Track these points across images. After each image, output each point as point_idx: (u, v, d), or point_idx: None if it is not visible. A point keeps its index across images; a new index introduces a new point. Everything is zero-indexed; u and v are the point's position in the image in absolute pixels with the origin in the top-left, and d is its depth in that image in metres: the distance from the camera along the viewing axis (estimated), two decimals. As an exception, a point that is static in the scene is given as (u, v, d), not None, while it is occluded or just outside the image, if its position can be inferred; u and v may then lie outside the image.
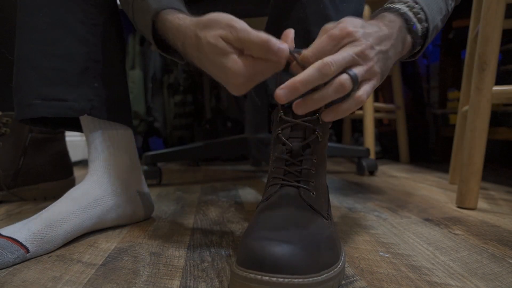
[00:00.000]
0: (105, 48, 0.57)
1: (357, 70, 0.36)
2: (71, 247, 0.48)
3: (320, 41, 0.36)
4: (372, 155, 1.27)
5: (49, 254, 0.45)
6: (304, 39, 0.46)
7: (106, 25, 0.57)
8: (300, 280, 0.30)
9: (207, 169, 1.37)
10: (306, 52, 0.36)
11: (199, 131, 1.69)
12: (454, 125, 1.33)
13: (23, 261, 0.43)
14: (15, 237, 0.44)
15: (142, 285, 0.37)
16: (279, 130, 0.45)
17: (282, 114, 0.46)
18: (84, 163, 1.52)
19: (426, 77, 1.81)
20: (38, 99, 0.52)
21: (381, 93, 1.79)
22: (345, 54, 0.35)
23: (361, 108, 1.49)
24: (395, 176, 1.12)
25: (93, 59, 0.55)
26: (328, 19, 0.45)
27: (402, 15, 0.42)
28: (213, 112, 1.75)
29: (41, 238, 0.45)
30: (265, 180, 1.06)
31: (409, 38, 0.43)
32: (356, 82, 0.35)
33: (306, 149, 0.44)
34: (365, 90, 0.37)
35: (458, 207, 0.69)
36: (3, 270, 0.40)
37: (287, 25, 0.47)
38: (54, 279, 0.38)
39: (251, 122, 1.16)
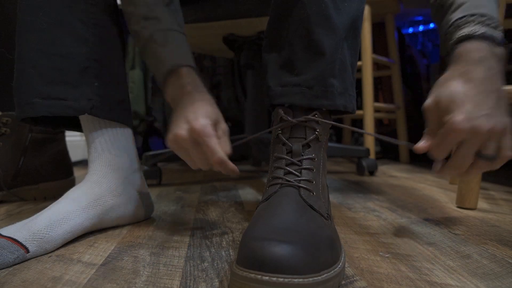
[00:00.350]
0: (105, 48, 0.57)
1: (493, 147, 0.38)
2: (71, 247, 0.48)
3: (440, 137, 0.39)
4: (372, 155, 1.27)
5: (49, 254, 0.45)
6: (305, 39, 0.46)
7: (106, 24, 0.57)
8: (300, 280, 0.30)
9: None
10: (429, 145, 0.41)
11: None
12: (454, 125, 1.33)
13: (23, 261, 0.43)
14: (15, 237, 0.44)
15: (142, 285, 0.37)
16: (280, 130, 0.46)
17: (282, 114, 0.46)
18: (84, 163, 1.52)
19: (426, 77, 1.81)
20: (38, 98, 0.52)
21: (381, 93, 1.80)
22: (465, 152, 0.38)
23: (361, 108, 1.49)
24: (395, 176, 1.12)
25: (93, 59, 0.55)
26: (329, 19, 0.45)
27: (486, 38, 0.40)
28: (213, 112, 1.74)
29: (41, 238, 0.45)
30: (265, 180, 1.06)
31: (499, 50, 0.41)
32: (493, 159, 0.39)
33: (306, 149, 0.44)
34: (506, 144, 0.39)
35: (458, 207, 0.69)
36: (3, 270, 0.40)
37: (288, 25, 0.47)
38: (54, 279, 0.38)
39: (251, 122, 1.16)
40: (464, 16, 0.43)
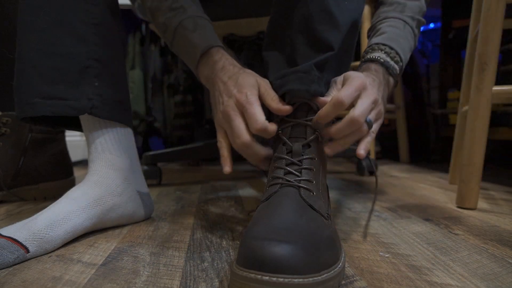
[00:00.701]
0: (105, 48, 0.57)
1: (371, 115, 0.46)
2: (71, 247, 0.48)
3: (346, 88, 0.44)
4: (372, 155, 1.27)
5: (49, 254, 0.45)
6: (309, 37, 0.46)
7: (106, 24, 0.57)
8: (300, 280, 0.30)
9: (207, 169, 1.37)
10: (338, 95, 0.43)
11: (199, 131, 1.69)
12: (454, 125, 1.33)
13: (23, 261, 0.43)
14: (15, 237, 0.44)
15: (142, 285, 0.37)
16: (280, 130, 0.46)
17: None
18: (84, 163, 1.52)
19: (426, 77, 1.81)
20: (38, 97, 0.52)
21: (381, 93, 1.79)
22: (366, 104, 0.44)
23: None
24: (395, 176, 1.12)
25: (94, 58, 0.55)
26: (331, 16, 0.46)
27: (383, 64, 0.53)
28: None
29: (41, 238, 0.45)
30: (265, 180, 1.06)
31: (391, 80, 0.54)
32: (371, 126, 0.46)
33: (306, 149, 0.44)
34: (374, 128, 0.48)
35: (458, 207, 0.69)
36: (3, 270, 0.40)
37: (291, 23, 0.47)
38: (54, 279, 0.38)
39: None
40: (379, 43, 0.55)
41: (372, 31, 0.61)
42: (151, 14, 0.57)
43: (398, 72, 0.54)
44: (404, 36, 0.57)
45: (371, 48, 0.55)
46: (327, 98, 0.45)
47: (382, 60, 0.53)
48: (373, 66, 0.52)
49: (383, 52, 0.53)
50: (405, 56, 0.56)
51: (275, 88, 0.48)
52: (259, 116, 0.45)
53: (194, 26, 0.53)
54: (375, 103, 0.46)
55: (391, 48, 0.54)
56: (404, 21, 0.58)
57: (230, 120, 0.47)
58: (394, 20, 0.58)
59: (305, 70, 0.45)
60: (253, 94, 0.46)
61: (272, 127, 0.45)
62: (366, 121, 0.44)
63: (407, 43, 0.57)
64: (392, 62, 0.53)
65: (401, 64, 0.55)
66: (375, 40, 0.56)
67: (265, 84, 0.48)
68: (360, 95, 0.44)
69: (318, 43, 0.46)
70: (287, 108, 0.46)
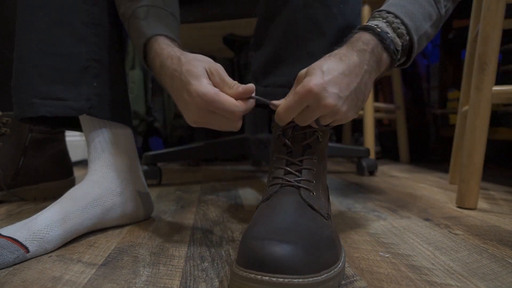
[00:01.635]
0: (105, 48, 0.57)
1: (323, 120, 0.40)
2: (71, 247, 0.48)
3: (289, 100, 0.39)
4: (372, 155, 1.27)
5: (49, 254, 0.45)
6: (294, 43, 0.46)
7: (106, 24, 0.57)
8: (300, 280, 0.30)
9: (207, 169, 1.37)
10: (279, 109, 0.40)
11: (199, 131, 1.69)
12: (454, 125, 1.33)
13: (23, 261, 0.43)
14: (15, 237, 0.44)
15: (142, 285, 0.37)
16: (280, 131, 0.46)
17: None
18: (84, 163, 1.52)
19: (426, 77, 1.81)
20: (37, 98, 0.52)
21: (381, 93, 1.80)
22: (309, 119, 0.39)
23: (361, 108, 1.49)
24: (395, 176, 1.12)
25: (93, 59, 0.55)
26: (317, 24, 0.46)
27: (378, 35, 0.42)
28: (213, 112, 1.74)
29: (41, 238, 0.45)
30: (265, 180, 1.06)
31: (385, 56, 0.42)
32: (319, 124, 0.41)
33: (306, 149, 0.44)
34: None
35: (458, 207, 0.69)
36: (3, 270, 0.40)
37: (276, 26, 0.47)
38: (54, 279, 0.38)
39: (251, 122, 1.16)
40: (381, 11, 0.44)
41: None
42: (117, 6, 0.55)
43: (399, 47, 0.43)
44: (412, 1, 0.45)
45: (372, 17, 0.45)
46: (280, 102, 0.41)
47: (378, 30, 0.42)
48: (364, 36, 0.42)
49: (384, 20, 0.43)
50: (417, 28, 0.44)
51: (261, 94, 0.47)
52: (229, 104, 0.40)
53: (146, 14, 0.50)
54: (329, 114, 0.39)
55: (396, 17, 0.43)
56: None
57: (204, 124, 0.43)
58: None
59: (291, 86, 0.43)
60: (206, 87, 0.40)
61: (246, 107, 0.41)
62: (317, 124, 0.41)
63: (420, 9, 0.45)
64: (392, 34, 0.43)
65: (406, 37, 0.44)
66: (381, 8, 0.46)
67: (218, 69, 0.42)
68: (309, 106, 0.38)
69: (301, 50, 0.46)
70: (250, 88, 0.41)
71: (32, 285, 0.37)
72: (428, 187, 0.92)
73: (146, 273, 0.40)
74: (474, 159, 0.67)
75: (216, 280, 0.37)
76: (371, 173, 1.14)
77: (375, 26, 0.42)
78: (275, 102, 0.42)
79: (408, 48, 0.45)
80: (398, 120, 1.54)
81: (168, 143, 1.74)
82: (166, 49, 0.46)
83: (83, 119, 0.57)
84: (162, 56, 0.45)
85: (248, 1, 0.85)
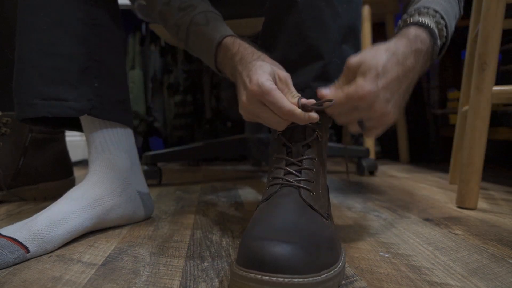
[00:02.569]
0: (105, 48, 0.57)
1: (369, 123, 0.41)
2: (71, 247, 0.48)
3: (339, 98, 0.39)
4: (372, 155, 1.27)
5: (49, 254, 0.45)
6: (299, 44, 0.46)
7: (106, 25, 0.57)
8: (300, 280, 0.30)
9: (207, 169, 1.37)
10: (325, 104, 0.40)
11: (199, 131, 1.69)
12: (454, 125, 1.33)
13: (23, 261, 0.43)
14: (15, 237, 0.44)
15: (142, 285, 0.37)
16: (280, 131, 0.46)
17: None
18: (84, 163, 1.52)
19: (426, 77, 1.81)
20: (38, 98, 0.52)
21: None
22: (353, 120, 0.40)
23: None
24: (395, 176, 1.12)
25: (94, 59, 0.55)
26: (324, 24, 0.46)
27: (433, 34, 0.42)
28: (213, 112, 1.75)
29: (41, 238, 0.45)
30: (265, 180, 1.06)
31: (428, 59, 0.43)
32: (365, 129, 0.41)
33: (306, 149, 0.44)
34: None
35: (458, 207, 0.69)
36: (3, 270, 0.40)
37: (283, 28, 0.47)
38: (54, 279, 0.38)
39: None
40: (419, 7, 0.45)
41: (408, 5, 0.51)
42: (162, 19, 0.56)
43: (437, 51, 0.44)
44: (447, 4, 0.46)
45: (418, 12, 0.44)
46: (326, 91, 0.40)
47: (432, 29, 0.42)
48: (422, 35, 0.41)
49: (434, 20, 0.43)
50: (451, 24, 0.45)
51: None
52: (282, 101, 0.39)
53: (206, 20, 0.51)
54: (377, 120, 0.40)
55: (442, 18, 0.43)
56: None
57: (255, 116, 0.43)
58: None
59: (300, 88, 0.45)
60: (267, 81, 0.40)
61: (300, 111, 0.40)
62: (363, 127, 0.41)
63: (452, 8, 0.46)
64: (436, 30, 0.43)
65: (444, 41, 0.45)
66: (413, 6, 0.46)
67: (286, 77, 0.43)
68: (358, 107, 0.39)
69: (308, 51, 0.46)
70: (310, 102, 0.40)
71: (32, 285, 0.37)
72: (428, 187, 0.92)
73: (146, 273, 0.40)
74: (474, 159, 0.67)
75: (216, 280, 0.37)
76: (371, 173, 1.14)
77: (428, 24, 0.42)
78: (323, 90, 0.41)
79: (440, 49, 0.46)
80: (398, 120, 1.53)
81: (168, 143, 1.74)
82: (242, 45, 0.47)
83: (84, 119, 0.57)
84: (240, 50, 0.46)
85: (249, 1, 0.85)
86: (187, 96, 1.70)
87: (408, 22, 0.43)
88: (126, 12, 1.44)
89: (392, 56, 0.39)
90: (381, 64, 0.38)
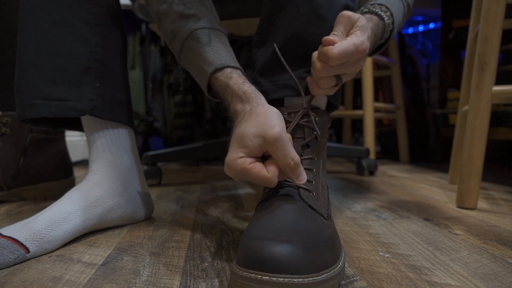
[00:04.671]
0: (107, 48, 0.57)
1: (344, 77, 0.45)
2: (71, 247, 0.48)
3: (347, 45, 0.41)
4: (372, 155, 1.27)
5: (49, 254, 0.45)
6: (296, 39, 0.46)
7: (108, 25, 0.57)
8: (300, 280, 0.30)
9: (207, 169, 1.37)
10: (334, 50, 0.41)
11: (199, 131, 1.69)
12: (454, 125, 1.33)
13: (23, 261, 0.43)
14: (15, 237, 0.44)
15: (142, 285, 0.37)
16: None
17: (286, 115, 0.46)
18: (84, 163, 1.52)
19: (426, 77, 1.81)
20: (39, 99, 0.52)
21: (381, 93, 1.80)
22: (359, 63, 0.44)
23: (361, 108, 1.49)
24: (395, 176, 1.12)
25: (95, 59, 0.55)
26: (321, 18, 0.46)
27: (382, 18, 0.51)
28: (213, 112, 1.75)
29: (41, 238, 0.45)
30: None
31: (381, 36, 0.53)
32: (340, 80, 0.45)
33: (305, 149, 0.44)
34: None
35: (458, 207, 0.69)
36: (3, 270, 0.40)
37: (280, 22, 0.47)
38: (54, 279, 0.38)
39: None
40: (374, 4, 0.53)
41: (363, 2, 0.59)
42: (158, 19, 0.51)
43: (388, 27, 0.53)
44: (397, 7, 0.55)
45: (371, 5, 0.53)
46: (335, 39, 0.42)
47: (382, 16, 0.51)
48: (375, 18, 0.50)
49: (385, 13, 0.52)
50: (396, 27, 0.54)
51: (265, 91, 0.48)
52: (292, 152, 0.38)
53: (209, 38, 0.46)
54: (360, 60, 0.45)
55: (391, 16, 0.52)
56: None
57: (246, 177, 0.39)
58: None
59: (301, 77, 0.46)
60: (237, 159, 0.38)
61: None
62: (335, 76, 0.44)
63: (399, 15, 0.55)
64: (385, 17, 0.52)
65: (391, 25, 0.53)
66: (376, 1, 0.54)
67: (284, 132, 0.39)
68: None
69: (305, 46, 0.46)
70: (303, 177, 0.40)
71: (32, 285, 0.37)
72: (428, 187, 0.92)
73: (146, 273, 0.40)
74: (474, 159, 0.67)
75: (216, 280, 0.37)
76: (371, 173, 1.14)
77: (376, 11, 0.51)
78: (329, 37, 0.42)
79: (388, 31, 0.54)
80: (398, 120, 1.53)
81: (168, 143, 1.74)
82: (240, 84, 0.43)
83: (85, 119, 0.57)
84: (234, 94, 0.43)
85: (248, 1, 0.85)
86: (187, 96, 1.70)
87: (372, 10, 0.52)
88: (126, 12, 1.44)
89: (363, 22, 0.45)
90: (369, 26, 0.45)
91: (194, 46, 0.47)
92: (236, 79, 0.44)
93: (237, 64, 0.46)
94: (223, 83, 0.44)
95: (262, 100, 0.42)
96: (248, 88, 0.43)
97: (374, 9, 0.51)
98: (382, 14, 0.51)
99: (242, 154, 0.39)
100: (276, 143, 0.37)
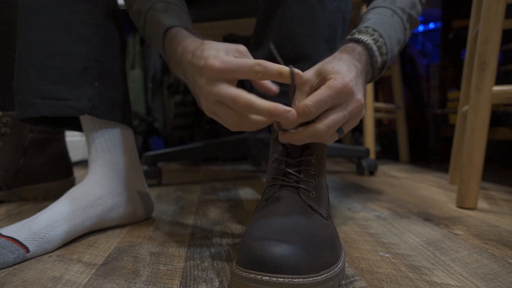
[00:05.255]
0: (106, 48, 0.57)
1: (345, 128, 0.39)
2: (71, 247, 0.48)
3: (321, 93, 0.36)
4: (372, 155, 1.27)
5: (49, 254, 0.45)
6: (290, 41, 0.46)
7: (107, 24, 0.57)
8: (300, 280, 0.30)
9: (207, 169, 1.37)
10: (307, 103, 0.35)
11: (199, 131, 1.69)
12: (454, 125, 1.33)
13: (23, 261, 0.43)
14: (15, 236, 0.44)
15: (142, 285, 0.37)
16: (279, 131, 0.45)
17: None
18: (84, 163, 1.52)
19: (426, 77, 1.81)
20: (39, 98, 0.52)
21: (381, 93, 1.80)
22: (340, 116, 0.37)
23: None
24: (395, 176, 1.12)
25: (94, 59, 0.55)
26: (313, 20, 0.46)
27: (369, 50, 0.43)
28: (213, 112, 1.74)
29: (41, 238, 0.45)
30: (264, 180, 1.05)
31: (370, 72, 0.45)
32: (342, 134, 0.39)
33: (305, 150, 0.44)
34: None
35: (458, 207, 0.69)
36: (3, 270, 0.40)
37: (273, 24, 0.47)
38: (54, 279, 0.38)
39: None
40: (368, 27, 0.46)
41: (358, 22, 0.53)
42: (128, 4, 0.53)
43: (378, 65, 0.45)
44: (391, 24, 0.49)
45: (358, 31, 0.46)
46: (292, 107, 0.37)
47: (370, 46, 0.44)
48: (358, 48, 0.43)
49: (371, 37, 0.45)
50: (392, 48, 0.48)
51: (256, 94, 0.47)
52: (242, 66, 0.36)
53: (166, 8, 0.48)
54: (354, 113, 0.38)
55: (380, 36, 0.45)
56: (393, 11, 0.51)
57: (215, 95, 0.36)
58: (382, 8, 0.51)
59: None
60: (228, 56, 0.37)
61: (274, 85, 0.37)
62: (339, 132, 0.39)
63: (395, 33, 0.49)
64: (377, 52, 0.45)
65: (385, 58, 0.46)
66: (362, 24, 0.48)
67: (244, 49, 0.39)
68: (338, 103, 0.37)
69: (296, 49, 0.46)
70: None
71: (32, 285, 0.37)
72: (428, 187, 0.92)
73: (146, 273, 0.40)
74: (474, 159, 0.67)
75: (216, 280, 0.37)
76: (371, 173, 1.14)
77: (366, 42, 0.43)
78: (300, 73, 0.37)
79: (380, 68, 0.47)
80: (398, 120, 1.54)
81: (168, 143, 1.74)
82: (190, 37, 0.43)
83: (84, 119, 0.57)
84: (185, 42, 0.42)
85: (248, 1, 0.85)
86: (187, 96, 1.70)
87: (356, 38, 0.44)
88: (126, 12, 1.44)
89: (344, 61, 0.40)
90: (341, 64, 0.39)
91: (152, 15, 0.48)
92: (183, 34, 0.43)
93: (189, 28, 0.45)
94: (175, 40, 0.44)
95: (205, 41, 0.41)
96: (188, 37, 0.43)
97: (355, 37, 0.44)
98: (366, 38, 0.44)
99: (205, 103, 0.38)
100: (219, 74, 0.35)
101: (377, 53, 0.44)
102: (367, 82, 0.45)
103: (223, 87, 0.36)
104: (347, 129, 0.40)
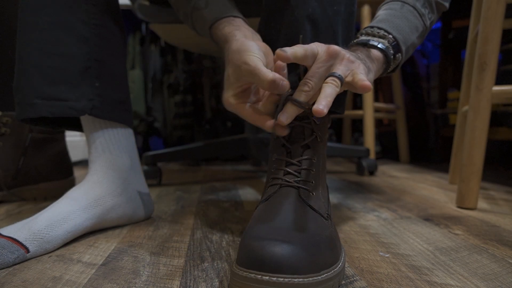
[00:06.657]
0: (106, 48, 0.57)
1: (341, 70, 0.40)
2: (71, 247, 0.48)
3: (313, 67, 0.40)
4: (372, 155, 1.27)
5: (49, 254, 0.45)
6: (293, 43, 0.46)
7: (107, 25, 0.57)
8: (300, 280, 0.30)
9: (207, 169, 1.37)
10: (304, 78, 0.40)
11: (199, 131, 1.69)
12: (454, 125, 1.33)
13: (23, 261, 0.43)
14: (15, 237, 0.44)
15: (142, 285, 0.37)
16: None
17: None
18: (84, 163, 1.52)
19: (426, 77, 1.81)
20: (39, 98, 0.52)
21: (381, 93, 1.80)
22: (343, 69, 0.40)
23: (361, 108, 1.49)
24: (395, 176, 1.12)
25: (94, 59, 0.55)
26: (316, 23, 0.46)
27: (386, 54, 0.47)
28: (213, 112, 1.75)
29: (41, 238, 0.45)
30: (264, 180, 1.05)
31: (375, 52, 0.48)
32: (342, 80, 0.40)
33: (305, 149, 0.44)
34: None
35: (458, 207, 0.69)
36: (3, 270, 0.40)
37: (277, 27, 0.48)
38: (54, 279, 0.38)
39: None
40: (366, 27, 0.50)
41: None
42: (176, 12, 0.57)
43: (387, 44, 0.48)
44: (400, 16, 0.51)
45: (365, 33, 0.50)
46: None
47: (384, 50, 0.48)
48: (373, 52, 0.47)
49: (382, 40, 0.49)
50: (406, 41, 0.50)
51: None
52: (264, 71, 0.38)
53: (206, 3, 0.51)
54: (349, 64, 0.41)
55: (379, 28, 0.49)
56: (402, 2, 0.53)
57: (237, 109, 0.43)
58: (391, 3, 0.54)
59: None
60: (250, 55, 0.40)
61: (284, 81, 0.39)
62: (336, 75, 0.40)
63: (406, 22, 0.51)
64: (375, 38, 0.48)
65: (391, 36, 0.49)
66: (369, 25, 0.52)
67: (268, 50, 0.43)
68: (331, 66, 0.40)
69: None
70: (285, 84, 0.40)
71: (32, 285, 0.37)
72: (428, 187, 0.92)
73: (146, 273, 0.40)
74: (474, 159, 0.67)
75: (216, 280, 0.37)
76: (371, 173, 1.14)
77: (377, 45, 0.47)
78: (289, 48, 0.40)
79: (396, 62, 0.51)
80: (398, 120, 1.53)
81: (168, 143, 1.74)
82: (230, 30, 0.47)
83: (84, 119, 0.57)
84: (227, 37, 0.47)
85: (248, 1, 0.85)
86: (187, 96, 1.70)
87: (360, 42, 0.48)
88: (126, 12, 1.44)
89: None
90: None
91: (196, 15, 0.52)
92: (223, 26, 0.48)
93: (229, 12, 0.50)
94: (216, 35, 0.49)
95: (238, 35, 0.45)
96: (228, 28, 0.47)
97: (363, 39, 0.48)
98: (375, 42, 0.47)
99: (230, 93, 0.43)
100: (249, 75, 0.39)
101: (374, 39, 0.48)
102: (383, 71, 0.49)
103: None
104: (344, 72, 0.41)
